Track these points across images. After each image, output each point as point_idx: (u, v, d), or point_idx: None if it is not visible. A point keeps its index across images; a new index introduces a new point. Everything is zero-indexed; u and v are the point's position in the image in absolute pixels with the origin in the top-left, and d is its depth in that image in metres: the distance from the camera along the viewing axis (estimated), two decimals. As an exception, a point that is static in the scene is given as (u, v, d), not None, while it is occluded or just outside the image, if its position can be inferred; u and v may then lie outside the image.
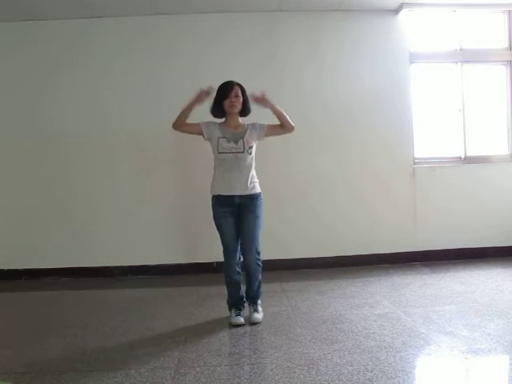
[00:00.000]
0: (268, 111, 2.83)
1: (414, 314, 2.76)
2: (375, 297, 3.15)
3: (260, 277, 2.83)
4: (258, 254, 2.77)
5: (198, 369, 2.12)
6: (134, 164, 4.04)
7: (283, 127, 2.83)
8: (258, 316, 2.76)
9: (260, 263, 2.79)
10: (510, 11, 4.23)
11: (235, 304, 2.81)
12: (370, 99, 4.10)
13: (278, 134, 2.89)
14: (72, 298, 3.49)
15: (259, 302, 2.87)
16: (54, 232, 4.03)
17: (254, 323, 2.71)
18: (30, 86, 4.01)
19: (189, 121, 2.81)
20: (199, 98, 2.75)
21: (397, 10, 4.06)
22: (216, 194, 2.77)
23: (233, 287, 2.80)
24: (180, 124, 2.80)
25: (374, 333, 2.47)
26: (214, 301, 3.17)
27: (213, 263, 3.94)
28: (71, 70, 4.01)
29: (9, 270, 4.01)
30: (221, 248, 2.82)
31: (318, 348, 2.30)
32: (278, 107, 2.81)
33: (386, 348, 2.25)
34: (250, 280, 2.81)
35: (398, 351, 2.21)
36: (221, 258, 2.88)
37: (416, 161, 4.18)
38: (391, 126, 4.11)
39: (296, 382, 1.94)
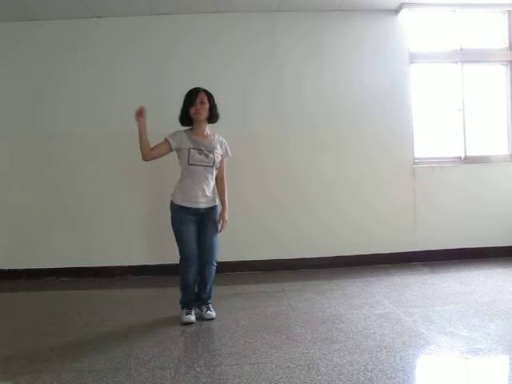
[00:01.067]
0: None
1: (414, 314, 2.76)
2: (375, 297, 3.15)
3: (213, 281, 2.91)
4: (216, 261, 2.85)
5: (197, 369, 2.12)
6: (134, 164, 4.02)
7: (219, 182, 2.91)
8: (212, 313, 2.83)
9: (215, 269, 2.87)
10: (510, 11, 4.24)
11: (188, 305, 2.86)
12: (370, 99, 4.10)
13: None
14: (72, 298, 3.49)
15: (210, 301, 2.93)
16: (54, 232, 4.03)
17: (208, 319, 2.79)
18: (29, 86, 4.01)
19: (153, 144, 2.78)
20: (138, 117, 2.75)
21: (397, 10, 4.06)
22: (181, 204, 2.76)
23: (188, 290, 2.84)
24: (147, 154, 2.74)
25: (374, 333, 2.47)
26: (213, 301, 3.17)
27: (213, 263, 3.94)
28: (71, 70, 4.01)
29: (9, 270, 4.02)
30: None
31: (318, 348, 2.30)
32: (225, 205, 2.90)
33: (386, 348, 2.25)
34: (205, 285, 2.86)
35: (398, 351, 2.20)
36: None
37: (416, 161, 4.18)
38: (391, 126, 4.11)
39: (296, 381, 1.94)
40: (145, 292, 3.61)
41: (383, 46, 4.12)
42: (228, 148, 2.93)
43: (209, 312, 2.84)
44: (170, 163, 4.02)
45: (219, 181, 2.91)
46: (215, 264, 2.84)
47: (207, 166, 2.75)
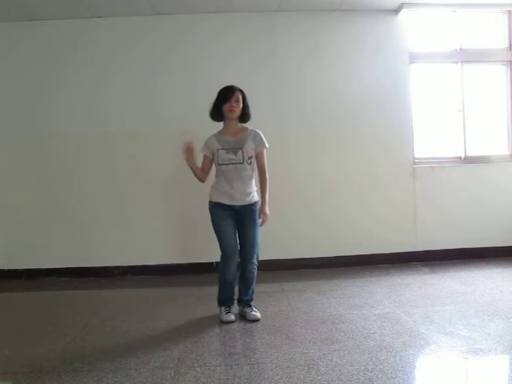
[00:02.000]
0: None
1: (414, 314, 2.76)
2: (375, 297, 3.15)
3: (255, 282, 2.89)
4: (257, 260, 2.84)
5: (198, 369, 2.12)
6: (134, 164, 4.04)
7: (260, 177, 2.84)
8: (257, 314, 2.80)
9: (257, 268, 2.85)
10: (510, 11, 4.24)
11: (226, 302, 2.85)
12: (370, 99, 4.10)
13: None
14: (72, 298, 3.49)
15: (253, 303, 2.92)
16: (54, 232, 4.03)
17: (254, 320, 2.75)
18: (29, 86, 4.01)
19: (198, 162, 2.84)
20: (187, 153, 2.74)
21: (397, 10, 4.06)
22: (217, 201, 2.78)
23: (227, 288, 2.83)
24: (201, 176, 2.85)
25: (374, 333, 2.47)
26: (214, 301, 3.16)
27: (213, 263, 3.94)
28: (71, 70, 4.01)
29: (9, 270, 4.02)
30: (219, 248, 2.82)
31: (318, 348, 2.30)
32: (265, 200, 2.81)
33: (386, 348, 2.25)
34: (247, 285, 2.86)
35: (398, 351, 2.20)
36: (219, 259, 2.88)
37: (416, 161, 4.18)
38: (391, 126, 4.11)
39: (296, 381, 1.94)
40: (145, 292, 3.61)
41: (383, 46, 4.12)
42: (264, 139, 2.82)
43: (253, 313, 2.80)
44: (169, 164, 4.04)
45: (259, 173, 2.85)
46: (256, 263, 2.82)
47: (237, 163, 2.73)
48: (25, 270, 4.00)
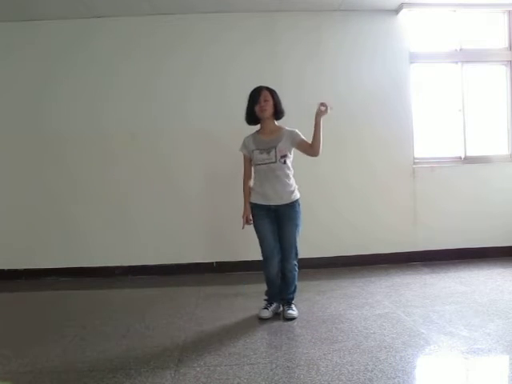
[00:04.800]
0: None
1: (414, 313, 2.76)
2: (375, 297, 3.15)
3: (296, 281, 2.88)
4: (296, 259, 2.84)
5: (198, 369, 2.12)
6: (133, 164, 4.04)
7: (312, 147, 2.78)
8: (293, 312, 2.80)
9: (297, 268, 2.85)
10: (510, 11, 4.24)
11: (271, 298, 2.86)
12: (370, 99, 4.10)
13: (304, 152, 2.84)
14: (72, 298, 3.49)
15: (293, 302, 2.91)
16: (54, 232, 4.03)
17: (289, 319, 2.75)
18: (29, 87, 4.01)
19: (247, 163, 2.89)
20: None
21: (397, 10, 4.06)
22: (253, 202, 2.82)
23: (270, 285, 2.85)
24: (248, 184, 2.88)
25: (373, 333, 2.47)
26: (213, 301, 3.17)
27: (213, 263, 3.95)
28: (71, 70, 4.01)
29: (9, 270, 4.02)
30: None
31: (318, 348, 2.30)
32: (320, 131, 2.76)
33: (386, 348, 2.25)
34: (287, 284, 2.86)
35: (398, 351, 2.20)
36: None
37: (416, 161, 4.18)
38: (391, 126, 4.11)
39: (296, 381, 1.94)
40: (145, 292, 3.60)
41: (383, 46, 4.12)
42: (299, 133, 2.84)
43: (290, 311, 2.80)
44: (169, 164, 4.04)
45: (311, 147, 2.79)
46: (295, 263, 2.82)
47: (270, 163, 2.75)
48: (25, 270, 4.00)
